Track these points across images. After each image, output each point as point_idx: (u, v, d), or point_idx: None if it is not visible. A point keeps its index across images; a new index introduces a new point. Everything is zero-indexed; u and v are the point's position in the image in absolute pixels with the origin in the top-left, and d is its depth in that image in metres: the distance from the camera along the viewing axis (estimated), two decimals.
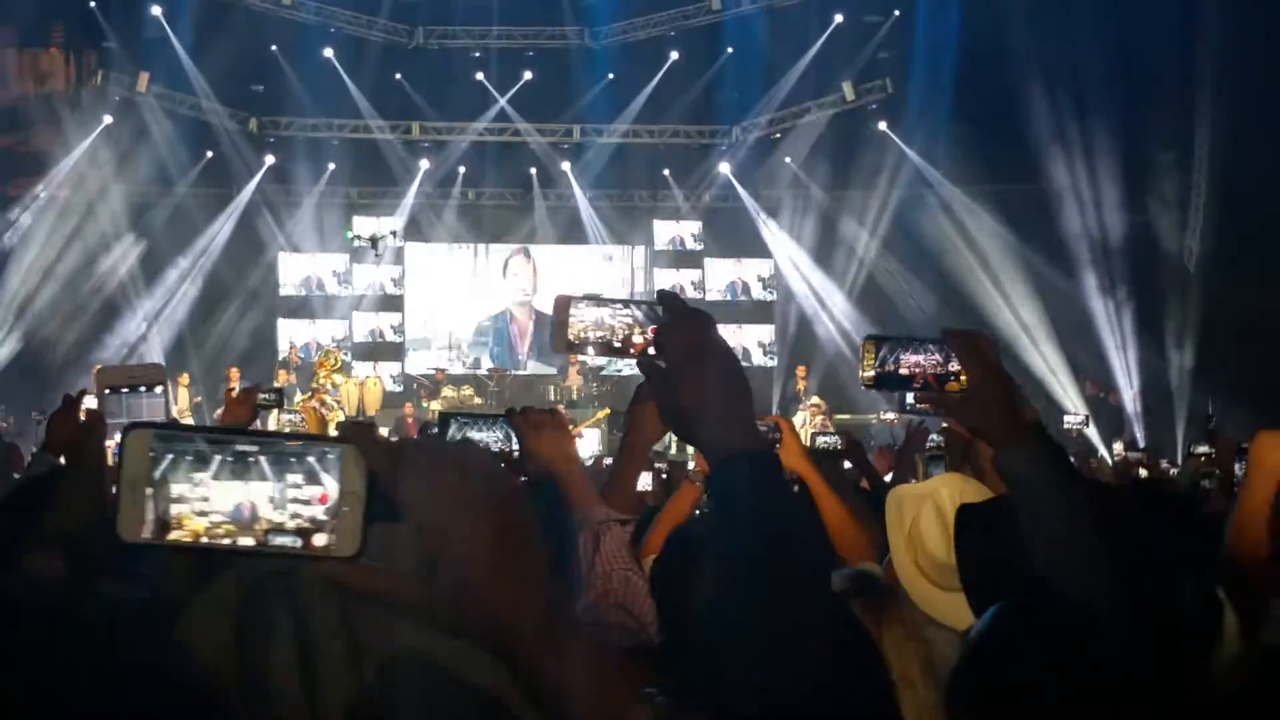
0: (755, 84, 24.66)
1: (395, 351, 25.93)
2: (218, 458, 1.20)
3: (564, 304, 1.78)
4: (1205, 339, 21.63)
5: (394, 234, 24.73)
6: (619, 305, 1.78)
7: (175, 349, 23.57)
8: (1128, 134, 21.59)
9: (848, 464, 7.29)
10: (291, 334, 25.21)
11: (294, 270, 25.75)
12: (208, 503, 1.19)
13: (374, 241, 24.12)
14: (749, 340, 25.94)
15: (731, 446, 1.61)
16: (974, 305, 22.85)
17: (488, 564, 1.16)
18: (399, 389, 24.56)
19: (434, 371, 23.89)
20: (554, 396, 23.34)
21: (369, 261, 25.49)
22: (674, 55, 24.96)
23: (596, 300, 1.79)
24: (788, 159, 25.18)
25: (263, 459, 1.20)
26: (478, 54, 25.35)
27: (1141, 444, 20.03)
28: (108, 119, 23.27)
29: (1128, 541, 2.42)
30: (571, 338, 1.77)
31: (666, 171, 25.88)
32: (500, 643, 1.18)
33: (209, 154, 24.66)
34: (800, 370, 23.08)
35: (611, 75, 25.24)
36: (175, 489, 1.19)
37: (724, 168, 25.48)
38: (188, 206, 24.52)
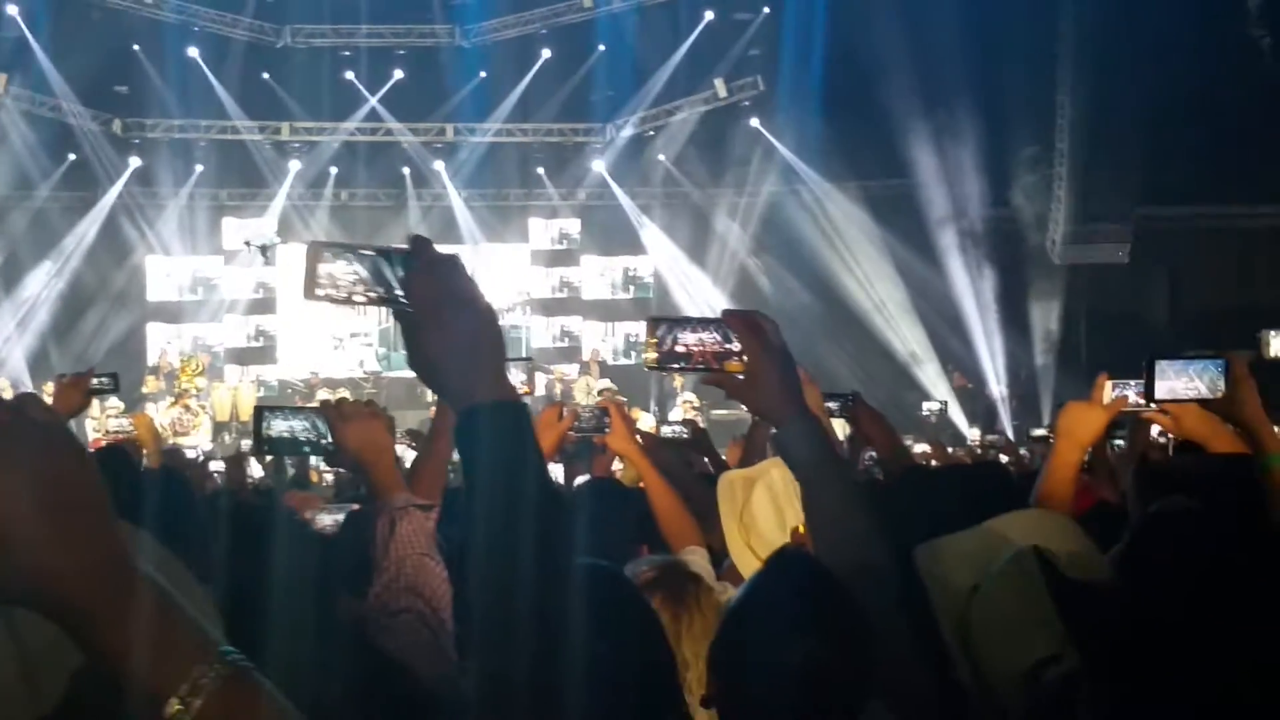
0: (628, 81, 24.67)
1: (269, 355, 25.56)
2: None
3: (314, 252, 1.70)
4: (1068, 328, 22.08)
5: (279, 240, 24.35)
6: (370, 252, 1.71)
7: (39, 356, 23.00)
8: (990, 127, 21.93)
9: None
10: (161, 339, 24.78)
11: (162, 274, 25.30)
12: None
13: (264, 250, 23.73)
14: (624, 337, 25.98)
15: (476, 397, 1.57)
16: (844, 298, 23.11)
17: (29, 526, 1.07)
18: (274, 394, 24.17)
19: (310, 376, 23.59)
20: (430, 397, 23.13)
21: (240, 264, 25.13)
22: (546, 53, 24.89)
23: (346, 248, 1.71)
24: (661, 156, 25.23)
25: None
26: (347, 53, 25.10)
27: (1009, 431, 20.41)
28: None
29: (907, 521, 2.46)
30: (320, 288, 1.70)
31: (541, 170, 25.83)
32: (47, 604, 1.10)
33: (71, 157, 24.12)
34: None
35: (483, 74, 25.13)
36: None
37: (598, 165, 25.47)
38: (49, 211, 23.99)
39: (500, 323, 1.65)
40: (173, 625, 1.13)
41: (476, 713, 1.57)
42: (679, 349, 2.18)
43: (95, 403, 20.83)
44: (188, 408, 20.12)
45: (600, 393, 21.23)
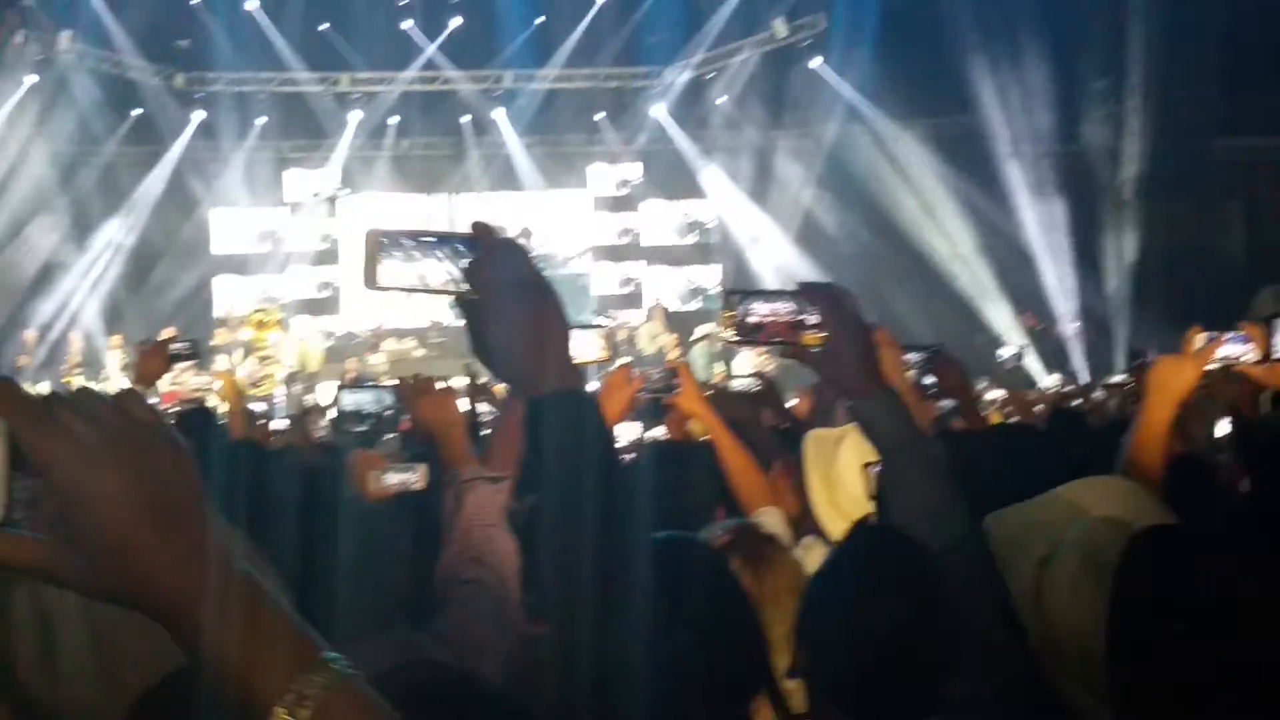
0: (686, 24, 24.43)
1: (334, 306, 25.72)
2: None
3: (374, 240, 1.68)
4: (1142, 267, 21.75)
5: (347, 191, 24.46)
6: (432, 239, 1.68)
7: (110, 311, 23.32)
8: (1059, 60, 21.57)
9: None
10: (228, 291, 25.02)
11: (227, 227, 25.50)
12: None
13: (331, 201, 23.90)
14: (687, 282, 25.97)
15: (542, 386, 1.55)
16: (910, 239, 22.90)
17: (126, 527, 1.06)
18: (339, 345, 24.36)
19: (376, 327, 23.73)
20: None
21: (304, 216, 25.31)
22: None
23: (409, 234, 1.68)
24: (721, 99, 25.01)
25: None
26: (404, 2, 25.02)
27: (1084, 374, 20.20)
28: (30, 79, 22.82)
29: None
30: (381, 276, 1.68)
31: (600, 116, 25.66)
32: (153, 609, 1.09)
33: (136, 112, 24.27)
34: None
35: (541, 19, 24.99)
36: None
37: (658, 110, 25.31)
38: (116, 166, 24.22)
39: (563, 306, 1.63)
40: (276, 630, 1.11)
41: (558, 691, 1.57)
42: (752, 320, 2.16)
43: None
44: (263, 359, 20.40)
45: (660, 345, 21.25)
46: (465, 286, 1.61)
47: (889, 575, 2.06)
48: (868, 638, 2.00)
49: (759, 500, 3.98)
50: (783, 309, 2.18)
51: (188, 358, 5.63)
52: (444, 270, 1.65)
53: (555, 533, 1.52)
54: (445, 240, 1.66)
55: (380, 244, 1.67)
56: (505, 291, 1.58)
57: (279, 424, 7.55)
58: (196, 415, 5.36)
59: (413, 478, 3.66)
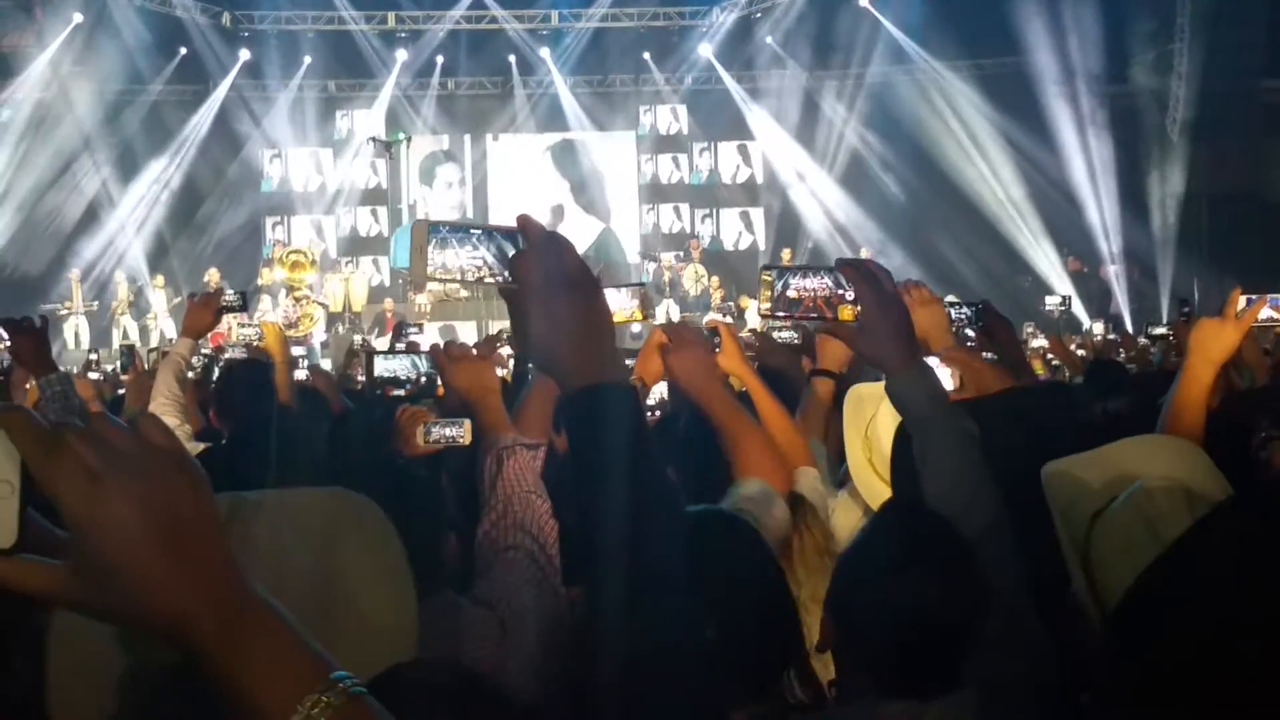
0: None
1: (381, 246, 25.81)
2: None
3: (422, 230, 1.74)
4: (1188, 209, 21.51)
5: (407, 138, 24.45)
6: (479, 231, 1.74)
7: (156, 250, 23.50)
8: (1108, 3, 21.24)
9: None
10: (275, 230, 25.15)
11: (274, 166, 25.59)
12: None
13: (388, 146, 23.91)
14: (733, 222, 25.90)
15: (585, 379, 1.57)
16: (954, 180, 22.72)
17: (141, 554, 1.10)
18: (382, 286, 24.47)
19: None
20: None
21: (351, 156, 25.37)
22: None
23: (455, 226, 1.74)
24: (769, 39, 24.81)
25: None
26: None
27: (1127, 316, 20.07)
28: (77, 17, 22.90)
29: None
30: (429, 266, 1.74)
31: (647, 55, 25.51)
32: (163, 632, 1.12)
33: (182, 51, 24.32)
34: (785, 253, 23.04)
35: None
36: None
37: (704, 50, 25.14)
38: (163, 105, 24.30)
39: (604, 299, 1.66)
40: (286, 650, 1.14)
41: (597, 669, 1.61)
42: (790, 294, 2.20)
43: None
44: (299, 300, 20.49)
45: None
46: (509, 278, 1.67)
47: (920, 552, 2.09)
48: (898, 613, 2.04)
49: (797, 459, 3.98)
50: (818, 284, 2.22)
51: (237, 309, 5.74)
52: (489, 261, 1.71)
53: (597, 525, 1.55)
54: (491, 233, 1.72)
55: (428, 235, 1.73)
56: (549, 284, 1.60)
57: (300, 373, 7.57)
58: (247, 367, 5.45)
59: (460, 432, 3.69)
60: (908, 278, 4.27)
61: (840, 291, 2.19)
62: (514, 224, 1.68)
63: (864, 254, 22.83)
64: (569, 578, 2.81)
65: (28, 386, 5.12)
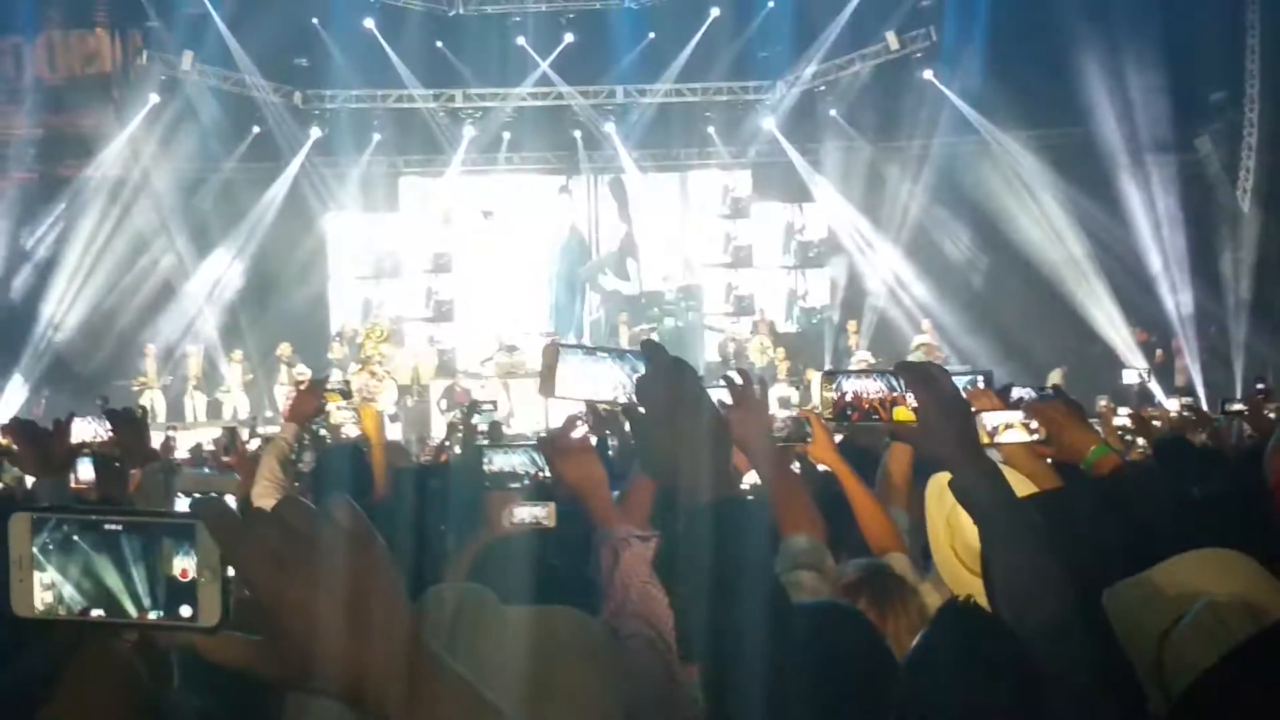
0: (798, 37, 24.48)
1: (447, 316, 26.01)
2: (90, 535, 1.28)
3: (552, 351, 1.84)
4: (1261, 279, 21.32)
5: (486, 214, 24.97)
6: (605, 353, 1.84)
7: (229, 325, 23.83)
8: (1174, 70, 21.22)
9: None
10: (345, 303, 25.45)
11: (345, 241, 25.91)
12: (84, 578, 1.27)
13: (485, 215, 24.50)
14: (796, 294, 25.96)
15: (704, 494, 1.69)
16: (1020, 250, 22.65)
17: (327, 630, 1.20)
18: (452, 358, 24.65)
19: (499, 347, 23.94)
20: None
21: (419, 227, 25.73)
22: (715, 11, 24.78)
23: (583, 348, 1.85)
24: (832, 111, 24.97)
25: (128, 535, 1.27)
26: (518, 18, 25.34)
27: (1201, 393, 19.85)
28: (154, 98, 23.46)
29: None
30: (559, 385, 1.83)
31: (711, 129, 25.73)
32: (349, 699, 1.22)
33: (255, 129, 24.81)
34: (851, 325, 23.03)
35: (652, 34, 25.19)
36: (55, 566, 1.27)
37: (769, 123, 25.32)
38: (236, 182, 24.72)
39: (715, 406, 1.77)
40: (462, 709, 1.23)
41: None
42: (849, 397, 2.25)
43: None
44: (373, 374, 20.69)
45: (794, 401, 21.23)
46: (634, 398, 1.76)
47: (974, 661, 2.12)
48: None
49: (887, 544, 4.03)
50: (874, 387, 2.26)
51: (342, 396, 5.87)
52: (615, 382, 1.80)
53: (717, 632, 1.65)
54: (617, 355, 1.81)
55: (557, 354, 1.82)
56: (673, 406, 1.73)
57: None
58: (343, 455, 5.55)
59: (543, 513, 3.76)
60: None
61: (894, 394, 2.23)
62: (640, 349, 1.79)
63: (925, 325, 22.81)
64: (685, 654, 2.87)
65: (132, 473, 5.22)
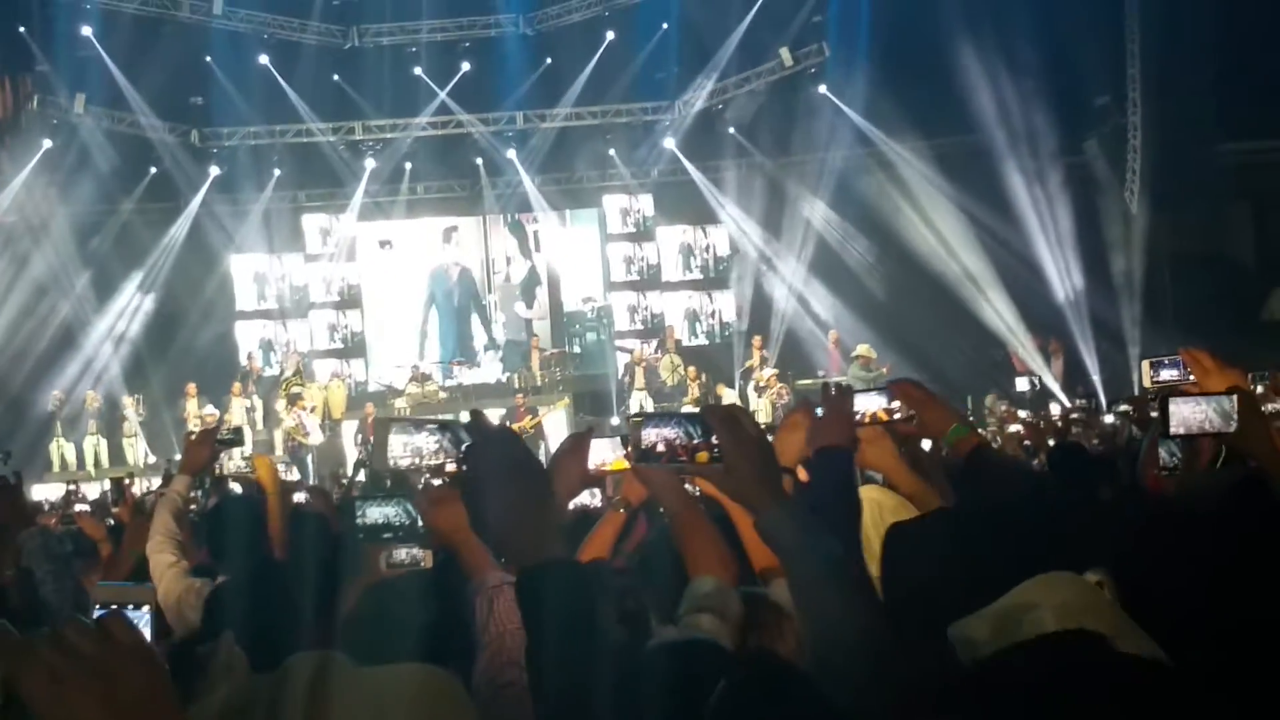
0: (693, 57, 24.70)
1: (357, 351, 25.93)
2: None
3: (384, 426, 1.95)
4: (1152, 276, 21.78)
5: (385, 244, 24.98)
6: (434, 427, 1.95)
7: (134, 368, 23.53)
8: (1059, 76, 21.64)
9: None
10: (250, 341, 25.23)
11: (248, 277, 25.71)
12: None
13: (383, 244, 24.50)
14: (703, 311, 26.11)
15: (534, 557, 1.79)
16: (921, 260, 22.94)
17: None
18: (362, 393, 24.55)
19: (403, 369, 23.92)
20: (518, 384, 23.50)
21: (322, 262, 25.60)
22: (610, 35, 24.98)
23: (413, 422, 1.97)
24: (731, 129, 25.21)
25: None
26: (413, 49, 25.37)
27: (1101, 392, 20.27)
28: (47, 143, 23.20)
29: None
30: (391, 456, 1.95)
31: (612, 151, 25.90)
32: None
33: (152, 170, 24.59)
34: (756, 341, 23.20)
35: (549, 60, 25.34)
36: None
37: (669, 143, 25.52)
38: (134, 224, 24.46)
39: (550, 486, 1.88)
40: None
41: None
42: (655, 444, 2.25)
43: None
44: (303, 408, 20.87)
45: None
46: (464, 466, 1.88)
47: (775, 712, 2.14)
48: None
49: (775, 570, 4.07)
50: (673, 433, 2.26)
51: (233, 444, 5.90)
52: (444, 451, 1.93)
53: (556, 690, 1.78)
54: (446, 426, 1.95)
55: (389, 428, 1.95)
56: (498, 473, 1.82)
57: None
58: (237, 504, 5.57)
59: (421, 555, 3.76)
60: None
61: (695, 441, 2.24)
62: (467, 420, 1.91)
63: (831, 336, 23.07)
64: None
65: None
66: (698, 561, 3.37)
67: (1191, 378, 3.61)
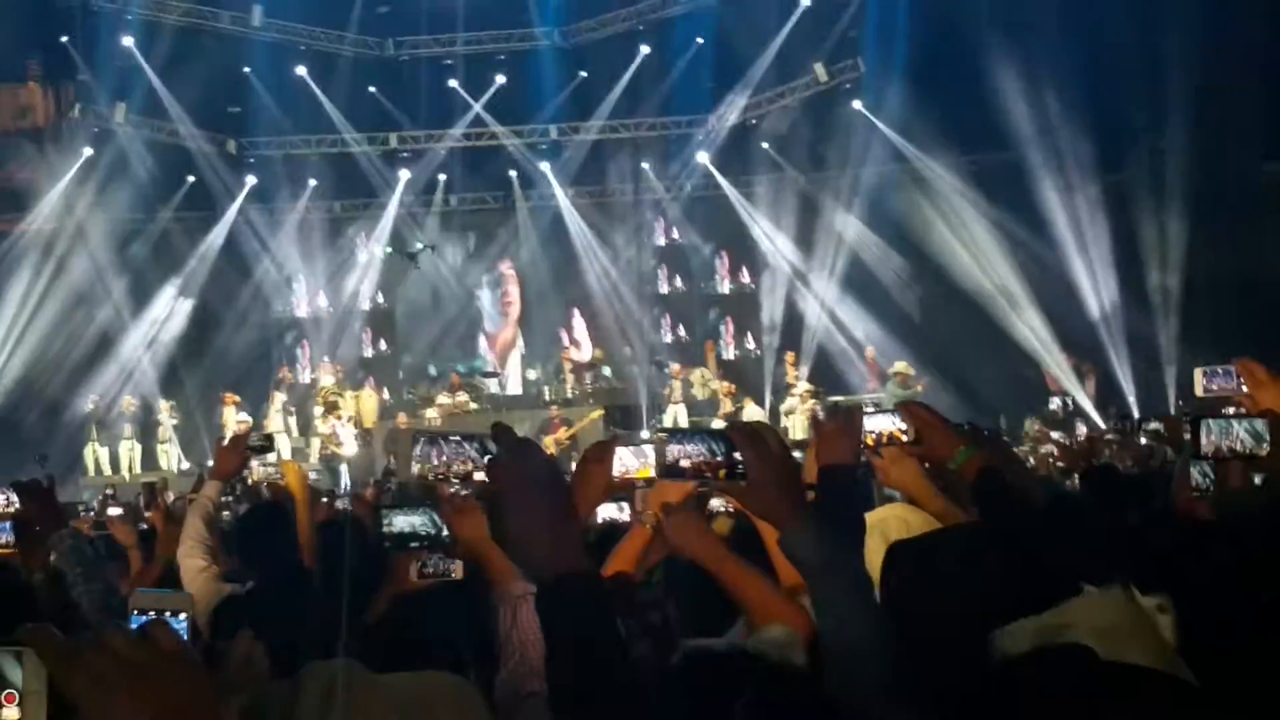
0: (728, 72, 24.71)
1: (388, 361, 26.03)
2: None
3: (407, 439, 1.98)
4: (1190, 296, 21.56)
5: (431, 248, 24.94)
6: (458, 438, 1.96)
7: (168, 375, 23.68)
8: (1099, 93, 21.49)
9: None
10: (285, 350, 25.39)
11: (283, 288, 25.85)
12: None
13: (412, 256, 24.46)
14: (737, 327, 26.08)
15: (556, 570, 1.80)
16: (956, 278, 22.83)
17: None
18: (395, 403, 24.62)
19: (433, 375, 24.02)
20: (549, 396, 23.55)
21: (355, 274, 25.72)
22: (645, 49, 25.02)
23: (438, 434, 1.98)
24: (764, 144, 25.20)
25: None
26: (449, 61, 25.48)
27: (1135, 412, 20.06)
28: (87, 151, 23.40)
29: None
30: (416, 466, 1.96)
31: (645, 165, 25.91)
32: None
33: (190, 179, 24.77)
34: (789, 356, 23.14)
35: (584, 73, 25.42)
36: None
37: (702, 157, 25.52)
38: (172, 232, 24.65)
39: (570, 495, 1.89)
40: None
41: None
42: (678, 459, 2.26)
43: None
44: (340, 419, 20.98)
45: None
46: (487, 478, 1.89)
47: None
48: None
49: (772, 612, 4.01)
50: (695, 450, 2.26)
51: (263, 450, 5.93)
52: (469, 462, 1.94)
53: (573, 702, 1.79)
54: (471, 438, 1.95)
55: (416, 440, 1.96)
56: (520, 485, 1.83)
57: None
58: (267, 512, 5.58)
59: (452, 567, 3.77)
60: None
61: (718, 459, 2.25)
62: (491, 432, 1.91)
63: (868, 353, 23.00)
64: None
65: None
66: (762, 611, 3.31)
67: (1244, 388, 3.61)
